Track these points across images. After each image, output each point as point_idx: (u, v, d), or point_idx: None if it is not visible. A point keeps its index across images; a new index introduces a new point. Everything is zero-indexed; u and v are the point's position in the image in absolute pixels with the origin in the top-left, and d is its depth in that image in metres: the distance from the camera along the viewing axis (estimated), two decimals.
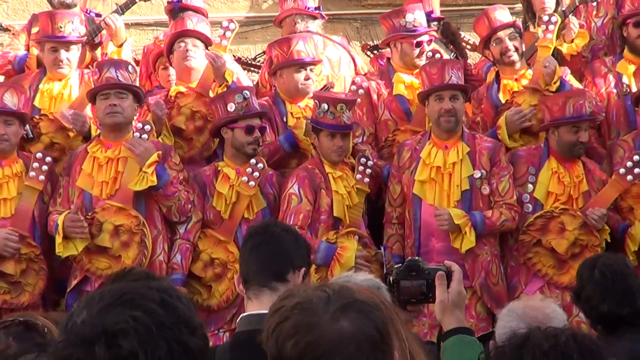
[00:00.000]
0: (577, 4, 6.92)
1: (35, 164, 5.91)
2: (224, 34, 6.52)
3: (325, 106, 6.08)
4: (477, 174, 6.04)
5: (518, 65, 6.66)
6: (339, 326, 1.93)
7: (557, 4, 7.13)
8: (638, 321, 4.41)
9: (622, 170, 6.00)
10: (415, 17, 6.66)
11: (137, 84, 6.28)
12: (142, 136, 5.86)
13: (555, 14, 6.68)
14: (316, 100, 6.22)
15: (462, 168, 6.05)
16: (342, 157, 6.15)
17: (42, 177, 5.92)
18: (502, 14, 6.73)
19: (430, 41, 6.76)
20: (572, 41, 6.85)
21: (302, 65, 6.48)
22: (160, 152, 5.90)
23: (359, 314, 1.96)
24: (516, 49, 6.62)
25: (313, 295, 2.01)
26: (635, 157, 5.98)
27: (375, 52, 8.08)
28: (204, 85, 6.45)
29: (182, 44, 6.51)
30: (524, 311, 3.59)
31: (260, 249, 3.43)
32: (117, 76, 5.97)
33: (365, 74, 7.09)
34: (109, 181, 5.91)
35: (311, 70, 6.52)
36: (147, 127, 5.91)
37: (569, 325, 3.92)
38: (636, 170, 5.97)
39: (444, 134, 6.10)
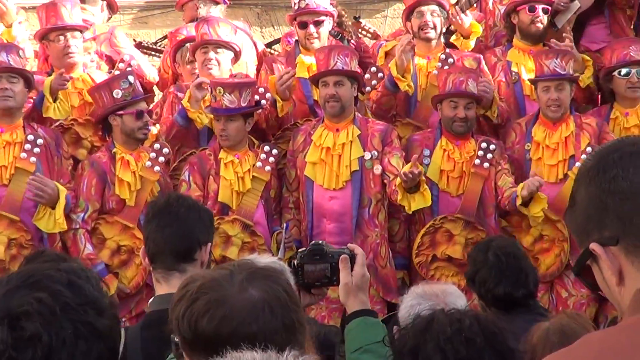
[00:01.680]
0: None
1: None
2: None
3: (211, 90, 6.13)
4: (367, 156, 6.11)
5: (433, 43, 6.67)
6: (248, 295, 1.97)
7: None
8: (530, 302, 4.58)
9: (477, 162, 6.17)
10: None
11: (28, 68, 6.15)
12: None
13: (452, 54, 6.62)
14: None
15: (352, 149, 6.13)
16: (229, 141, 6.10)
17: None
18: None
19: (320, 22, 6.61)
20: (468, 36, 6.92)
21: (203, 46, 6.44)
22: (67, 193, 5.79)
23: (265, 280, 2.01)
24: (434, 27, 6.64)
25: (215, 273, 2.05)
26: (483, 145, 6.17)
27: (271, 48, 8.02)
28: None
29: (62, 37, 6.35)
30: (424, 289, 3.69)
31: (165, 231, 3.41)
32: (9, 60, 5.89)
33: (272, 55, 7.09)
34: (8, 165, 5.83)
35: (216, 52, 6.45)
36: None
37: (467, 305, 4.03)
38: (488, 155, 6.17)
39: (333, 118, 6.18)
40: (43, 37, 6.46)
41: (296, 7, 6.65)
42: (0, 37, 6.62)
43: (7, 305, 1.63)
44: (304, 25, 6.63)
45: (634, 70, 6.45)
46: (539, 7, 6.78)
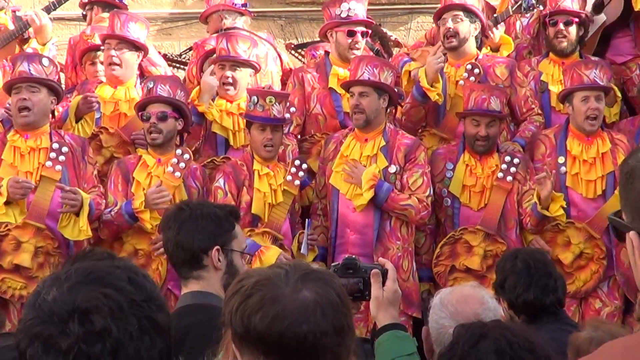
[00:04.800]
0: (511, 13, 6.86)
1: None
2: None
3: (255, 99, 6.04)
4: (392, 169, 6.08)
5: (462, 50, 6.55)
6: (301, 296, 2.00)
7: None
8: (558, 309, 4.57)
9: (500, 175, 6.12)
10: (351, 6, 6.58)
11: (54, 77, 6.08)
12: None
13: (478, 64, 6.50)
14: (248, 95, 6.20)
15: (377, 161, 6.08)
16: (273, 152, 6.06)
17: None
18: None
19: (366, 33, 6.67)
20: (497, 49, 6.86)
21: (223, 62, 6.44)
22: (91, 199, 5.78)
23: (318, 282, 2.04)
24: (457, 33, 6.52)
25: (270, 272, 2.09)
26: (507, 159, 6.11)
27: (299, 50, 8.12)
28: (128, 130, 6.38)
29: (108, 46, 6.44)
30: (456, 309, 3.49)
31: (167, 247, 3.65)
32: (30, 69, 5.87)
33: (302, 66, 7.07)
34: (33, 171, 5.83)
35: (233, 69, 6.41)
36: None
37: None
38: (512, 169, 6.11)
39: (361, 129, 6.14)
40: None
41: (343, 15, 6.58)
42: None
43: (75, 300, 1.65)
44: (351, 34, 6.58)
45: None
46: (561, 22, 6.72)
